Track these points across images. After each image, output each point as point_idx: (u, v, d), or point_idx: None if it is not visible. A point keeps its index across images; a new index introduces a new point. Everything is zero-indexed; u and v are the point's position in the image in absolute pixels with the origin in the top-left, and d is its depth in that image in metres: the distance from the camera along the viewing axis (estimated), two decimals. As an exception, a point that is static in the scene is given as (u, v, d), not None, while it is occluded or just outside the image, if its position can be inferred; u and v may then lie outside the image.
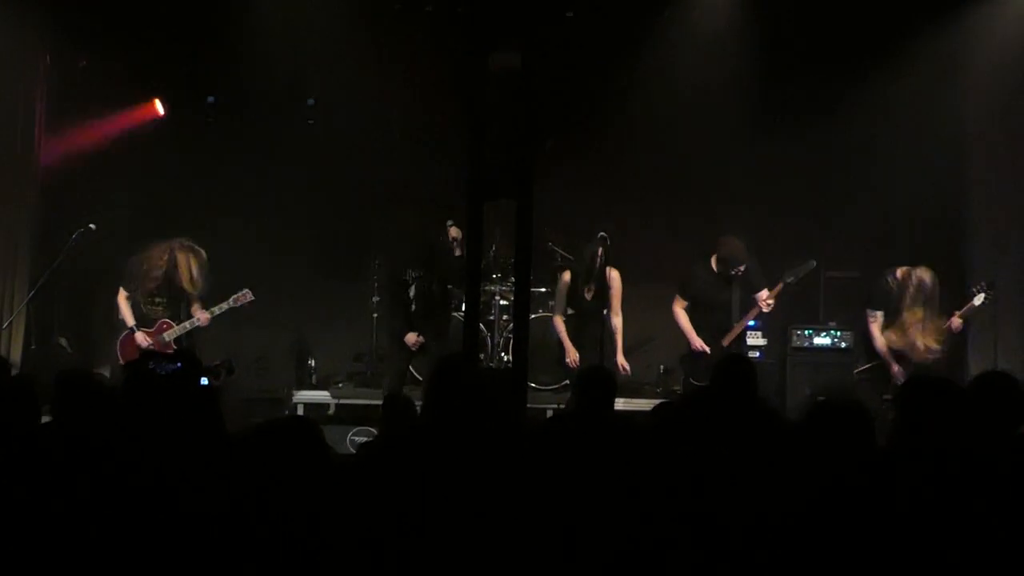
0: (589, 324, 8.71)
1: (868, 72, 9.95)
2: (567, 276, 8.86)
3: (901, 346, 8.31)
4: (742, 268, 8.63)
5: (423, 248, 8.85)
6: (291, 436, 3.80)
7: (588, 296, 8.68)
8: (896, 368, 8.30)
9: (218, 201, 10.35)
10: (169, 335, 8.68)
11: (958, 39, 9.73)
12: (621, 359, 8.76)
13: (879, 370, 8.41)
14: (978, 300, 8.36)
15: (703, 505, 3.68)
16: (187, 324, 8.72)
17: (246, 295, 8.79)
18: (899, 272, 8.37)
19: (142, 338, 8.64)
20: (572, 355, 8.76)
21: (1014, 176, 9.79)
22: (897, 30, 9.73)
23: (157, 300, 8.72)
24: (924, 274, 8.26)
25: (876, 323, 8.42)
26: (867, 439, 3.92)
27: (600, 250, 8.57)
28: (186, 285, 8.66)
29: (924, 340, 8.25)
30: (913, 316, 8.25)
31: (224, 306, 8.76)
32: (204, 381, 4.43)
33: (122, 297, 8.75)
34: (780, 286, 8.65)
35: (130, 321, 8.70)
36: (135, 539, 3.51)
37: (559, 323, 8.88)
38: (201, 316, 8.72)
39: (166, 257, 8.62)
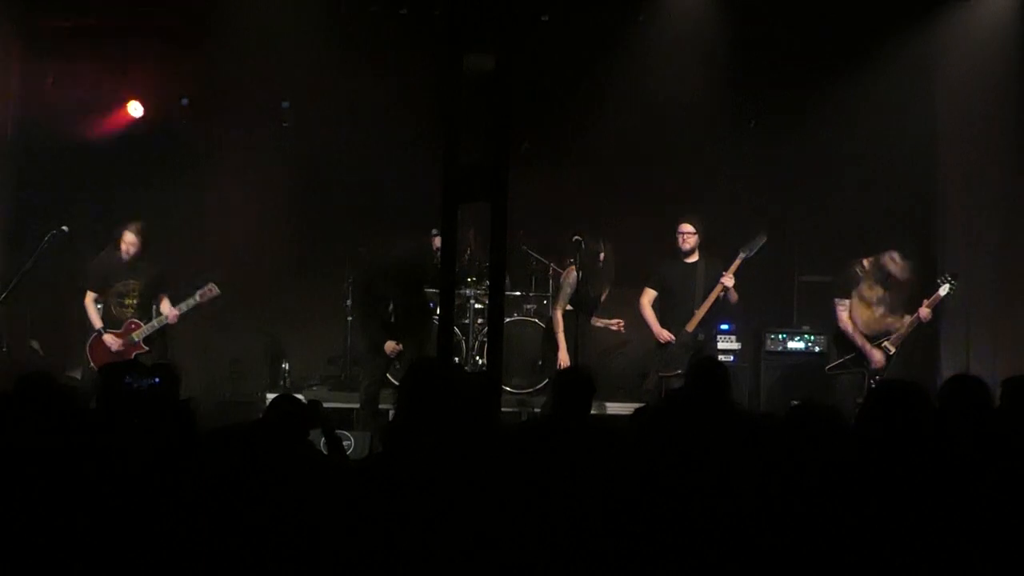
0: (585, 320, 8.79)
1: (840, 75, 10.01)
2: (574, 271, 8.86)
3: (868, 322, 8.39)
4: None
5: (400, 256, 8.83)
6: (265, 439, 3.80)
7: (592, 292, 8.75)
8: (873, 352, 8.37)
9: (191, 204, 10.31)
10: (138, 335, 8.66)
11: (929, 42, 9.82)
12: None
13: (852, 363, 8.45)
14: (943, 290, 8.47)
15: (678, 508, 3.69)
16: (155, 322, 8.69)
17: (212, 289, 8.71)
18: (866, 261, 8.48)
19: (111, 340, 8.62)
20: (564, 357, 8.75)
21: (986, 179, 9.87)
22: (869, 33, 9.80)
23: (127, 301, 8.70)
24: (890, 259, 8.38)
25: (844, 310, 8.51)
26: (842, 443, 3.94)
27: (602, 249, 8.70)
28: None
29: (883, 317, 8.38)
30: (873, 292, 8.37)
31: (191, 302, 8.69)
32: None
33: (89, 299, 8.74)
34: (737, 262, 8.70)
35: (97, 323, 8.68)
36: (95, 544, 3.51)
37: (558, 317, 8.88)
38: (169, 313, 8.67)
39: (131, 239, 8.57)
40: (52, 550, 3.54)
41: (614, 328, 9.10)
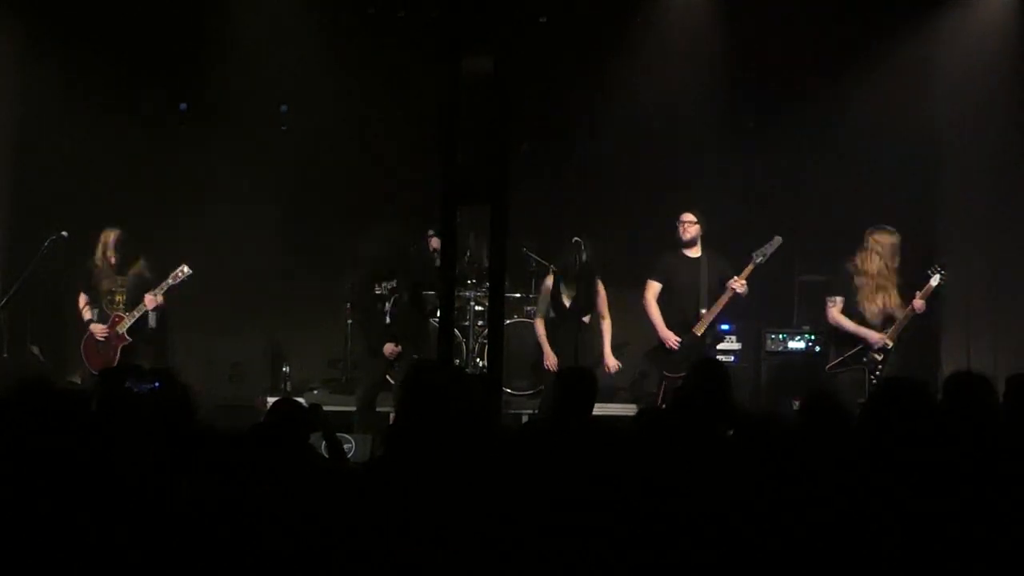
0: (569, 328, 8.67)
1: (840, 75, 10.01)
2: (550, 280, 8.83)
3: (875, 306, 8.40)
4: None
5: (398, 257, 8.80)
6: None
7: (568, 301, 8.67)
8: (874, 336, 8.36)
9: (191, 208, 10.30)
10: (121, 327, 8.78)
11: (929, 42, 9.81)
12: (610, 360, 8.77)
13: (852, 359, 8.44)
14: (934, 281, 8.47)
15: (680, 510, 3.68)
16: (135, 312, 8.78)
17: (183, 270, 8.80)
18: (856, 258, 8.47)
19: (97, 328, 8.79)
20: (551, 359, 8.73)
21: (985, 178, 9.87)
22: (869, 33, 9.80)
23: (116, 298, 8.85)
24: (876, 238, 8.41)
25: (836, 307, 8.50)
26: (847, 441, 3.94)
27: (582, 254, 8.56)
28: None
29: (889, 293, 8.40)
30: (873, 268, 8.39)
31: (164, 285, 8.78)
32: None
33: (82, 300, 8.92)
34: (751, 267, 8.64)
35: (86, 317, 8.84)
36: (96, 548, 3.50)
37: (540, 326, 8.85)
38: (147, 299, 8.74)
39: (107, 242, 8.78)
40: (53, 554, 3.53)
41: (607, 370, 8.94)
